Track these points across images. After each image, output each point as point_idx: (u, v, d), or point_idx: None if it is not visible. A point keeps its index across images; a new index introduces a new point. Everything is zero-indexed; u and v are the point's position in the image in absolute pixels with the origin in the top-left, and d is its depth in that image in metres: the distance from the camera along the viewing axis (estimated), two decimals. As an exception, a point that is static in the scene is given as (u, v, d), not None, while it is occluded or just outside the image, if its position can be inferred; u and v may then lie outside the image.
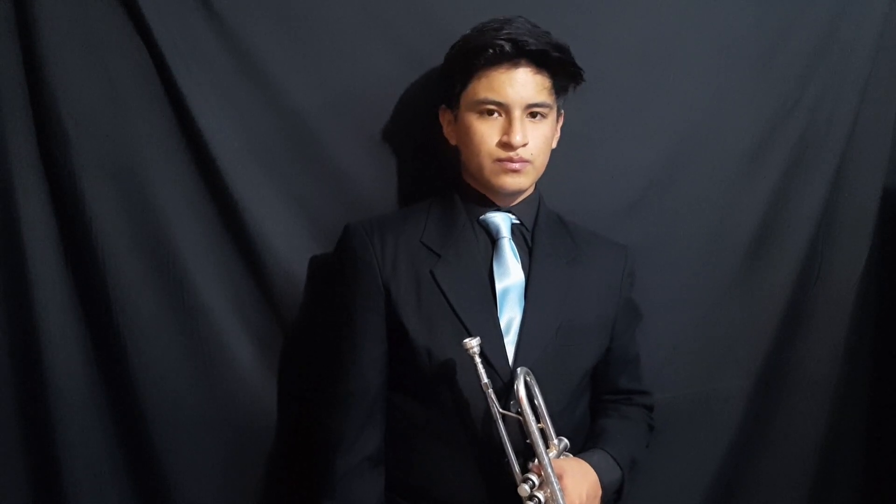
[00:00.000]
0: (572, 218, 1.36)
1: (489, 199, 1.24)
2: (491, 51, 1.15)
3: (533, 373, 1.14)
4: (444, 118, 1.28)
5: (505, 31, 1.15)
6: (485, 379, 1.09)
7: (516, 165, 1.18)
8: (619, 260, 1.32)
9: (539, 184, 1.30)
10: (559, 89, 1.23)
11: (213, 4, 1.30)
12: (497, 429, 1.09)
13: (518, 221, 1.25)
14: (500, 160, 1.18)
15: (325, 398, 1.25)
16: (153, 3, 1.27)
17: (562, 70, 1.21)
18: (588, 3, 1.45)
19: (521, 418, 1.09)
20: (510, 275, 1.20)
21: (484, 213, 1.24)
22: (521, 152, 1.17)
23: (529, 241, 1.25)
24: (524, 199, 1.27)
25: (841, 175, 1.59)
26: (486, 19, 1.22)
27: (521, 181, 1.20)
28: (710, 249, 1.55)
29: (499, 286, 1.20)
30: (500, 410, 1.09)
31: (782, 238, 1.58)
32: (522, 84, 1.16)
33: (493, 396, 1.09)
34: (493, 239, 1.23)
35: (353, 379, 1.21)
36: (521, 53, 1.15)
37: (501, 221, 1.23)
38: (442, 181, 1.32)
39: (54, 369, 1.31)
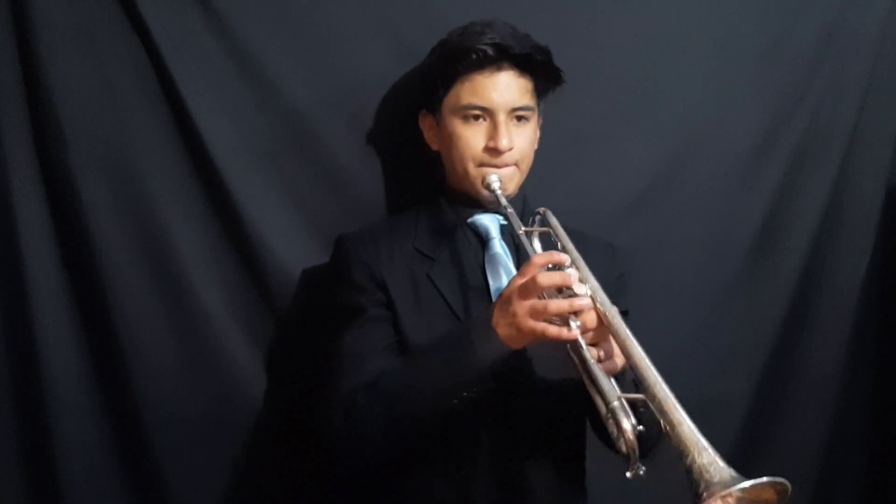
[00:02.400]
0: (572, 218, 1.35)
1: (476, 201, 1.24)
2: (474, 55, 1.15)
3: (532, 369, 1.12)
4: (425, 123, 1.27)
5: (488, 36, 1.15)
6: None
7: (503, 171, 1.18)
8: (608, 259, 1.30)
9: (539, 183, 1.29)
10: (541, 92, 1.23)
11: (211, 4, 1.30)
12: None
13: (506, 223, 1.23)
14: (485, 165, 1.18)
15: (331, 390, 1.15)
16: (151, 3, 1.27)
17: (544, 73, 1.21)
18: (589, 2, 1.44)
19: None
20: (502, 274, 1.19)
21: (472, 215, 1.24)
22: (507, 156, 1.17)
23: (517, 242, 1.24)
24: (510, 201, 1.25)
25: (843, 175, 1.59)
26: (483, 17, 1.21)
27: (508, 186, 1.19)
28: (712, 250, 1.54)
29: (492, 285, 1.18)
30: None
31: (785, 238, 1.58)
32: (506, 88, 1.16)
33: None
34: (482, 240, 1.22)
35: (367, 365, 1.12)
36: (504, 57, 1.15)
37: (490, 223, 1.22)
38: (428, 186, 1.31)
39: (51, 370, 1.31)
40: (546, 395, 1.16)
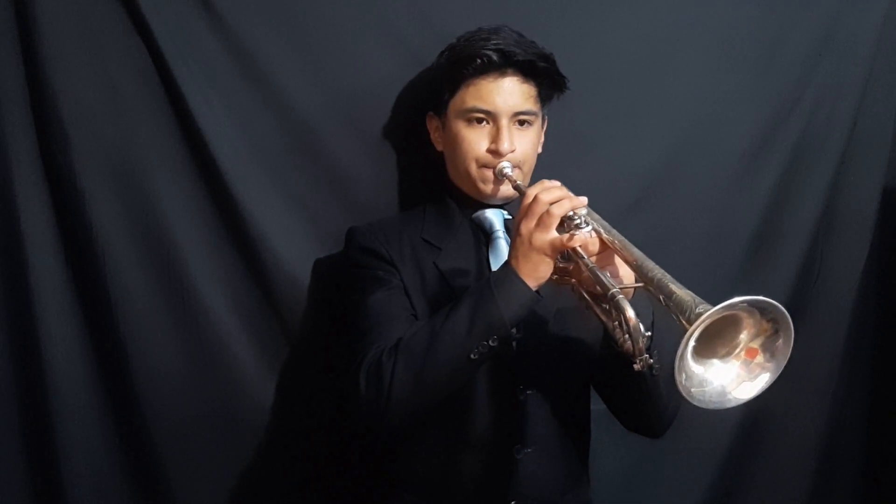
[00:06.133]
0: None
1: (478, 201, 1.26)
2: (479, 60, 1.17)
3: (538, 355, 1.15)
4: (431, 125, 1.30)
5: (493, 42, 1.17)
6: None
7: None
8: None
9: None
10: (544, 97, 1.25)
11: (213, 4, 1.31)
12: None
13: (510, 217, 1.26)
14: (486, 167, 1.20)
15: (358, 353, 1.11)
16: (153, 3, 1.27)
17: (547, 79, 1.23)
18: (588, 3, 1.45)
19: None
20: None
21: (475, 212, 1.26)
22: (509, 159, 1.19)
23: None
24: (512, 203, 1.27)
25: (840, 175, 1.59)
26: (485, 21, 1.23)
27: (510, 189, 1.21)
28: (709, 250, 1.55)
29: None
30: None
31: (782, 238, 1.58)
32: (510, 93, 1.18)
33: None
34: (486, 234, 1.24)
35: (392, 328, 1.12)
36: (508, 63, 1.18)
37: (494, 217, 1.25)
38: (432, 188, 1.32)
39: (54, 369, 1.32)
40: (551, 387, 1.18)
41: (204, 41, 1.31)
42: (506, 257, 1.19)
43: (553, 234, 0.98)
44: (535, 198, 1.00)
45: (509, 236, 1.23)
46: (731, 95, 1.52)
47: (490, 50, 1.17)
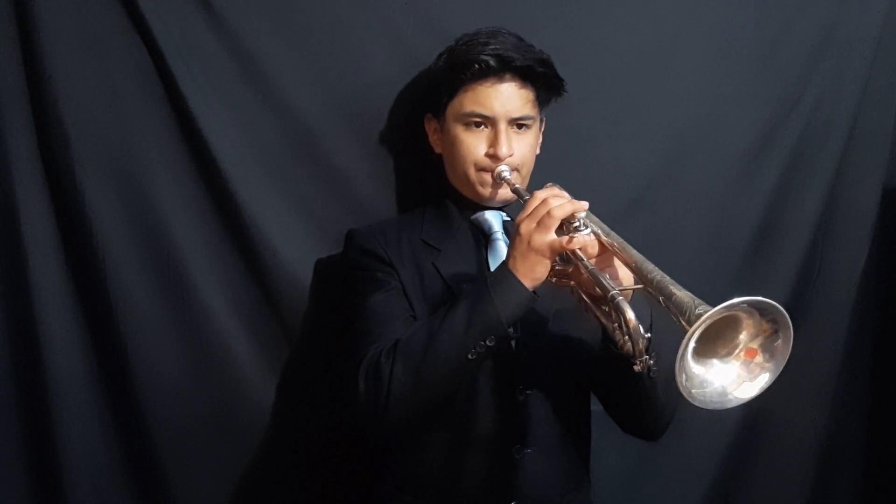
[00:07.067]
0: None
1: (476, 203, 1.26)
2: (477, 66, 1.18)
3: (537, 356, 1.15)
4: (430, 127, 1.30)
5: (491, 47, 1.17)
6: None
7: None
8: None
9: (539, 184, 1.30)
10: (542, 101, 1.25)
11: (213, 4, 1.31)
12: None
13: (509, 219, 1.26)
14: (485, 170, 1.20)
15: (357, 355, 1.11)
16: (153, 3, 1.28)
17: (546, 83, 1.24)
18: (588, 3, 1.45)
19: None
20: None
21: (474, 213, 1.26)
22: (508, 163, 1.19)
23: None
24: (511, 205, 1.27)
25: (840, 175, 1.59)
26: (485, 22, 1.23)
27: (508, 193, 1.21)
28: (709, 250, 1.55)
29: None
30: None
31: (782, 238, 1.58)
32: (508, 98, 1.19)
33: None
34: (485, 235, 1.24)
35: (392, 329, 1.12)
36: (506, 69, 1.18)
37: (493, 219, 1.25)
38: (432, 188, 1.32)
39: (54, 369, 1.32)
40: (551, 388, 1.18)
41: (204, 41, 1.31)
42: (504, 257, 1.20)
43: (552, 235, 0.98)
44: (536, 197, 1.01)
45: (508, 238, 1.24)
46: (732, 96, 1.52)
47: (488, 55, 1.17)
